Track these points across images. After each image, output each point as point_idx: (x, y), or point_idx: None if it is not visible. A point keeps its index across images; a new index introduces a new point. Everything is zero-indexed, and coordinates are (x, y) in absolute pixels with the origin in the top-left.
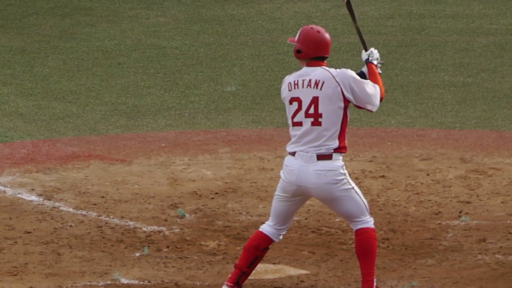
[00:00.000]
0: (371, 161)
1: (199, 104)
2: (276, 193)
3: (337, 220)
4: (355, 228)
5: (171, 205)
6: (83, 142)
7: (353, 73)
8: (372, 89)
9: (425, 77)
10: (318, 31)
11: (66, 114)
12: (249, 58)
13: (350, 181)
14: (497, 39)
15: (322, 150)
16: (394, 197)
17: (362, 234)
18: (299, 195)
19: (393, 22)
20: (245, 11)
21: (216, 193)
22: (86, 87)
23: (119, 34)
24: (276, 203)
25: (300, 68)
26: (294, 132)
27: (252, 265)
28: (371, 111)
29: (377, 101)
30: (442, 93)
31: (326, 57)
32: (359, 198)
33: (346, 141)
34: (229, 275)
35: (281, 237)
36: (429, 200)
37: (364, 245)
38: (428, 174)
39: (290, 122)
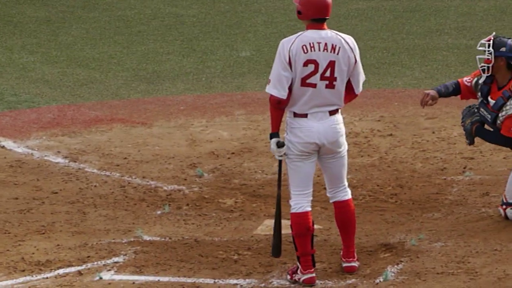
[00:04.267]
0: (379, 120)
1: (216, 69)
2: (293, 158)
3: (348, 176)
4: (345, 198)
5: (190, 165)
6: (106, 107)
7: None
8: (362, 70)
9: (429, 40)
10: None
11: (90, 80)
12: (262, 24)
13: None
14: (497, 3)
15: (333, 108)
16: (401, 154)
17: (351, 205)
18: (315, 152)
19: None
20: None
21: (233, 153)
22: (108, 54)
23: (139, 4)
24: (297, 167)
25: (301, 30)
26: (303, 92)
27: (313, 243)
28: (355, 95)
29: (362, 83)
30: (446, 55)
31: (327, 19)
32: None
33: None
34: (305, 266)
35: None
36: (435, 157)
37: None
38: (433, 132)
39: (298, 83)
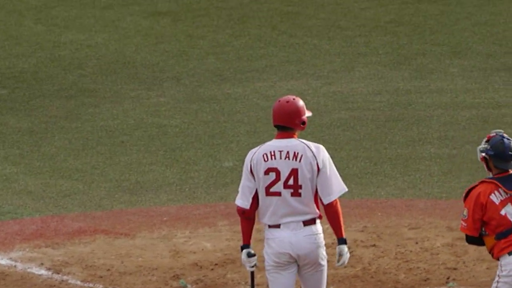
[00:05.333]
0: (362, 231)
1: (199, 179)
2: (270, 270)
3: (331, 287)
4: None
5: (174, 276)
6: (89, 218)
7: (326, 153)
8: (337, 181)
9: (412, 149)
10: (287, 101)
11: (73, 191)
12: (245, 134)
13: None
14: (480, 112)
15: (306, 217)
16: (384, 265)
17: None
18: (291, 264)
19: (381, 98)
20: (240, 90)
21: (216, 264)
22: (91, 165)
23: (122, 114)
24: (275, 278)
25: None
26: (269, 201)
27: None
28: (324, 205)
29: (336, 194)
30: (429, 165)
31: (290, 128)
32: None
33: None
34: None
35: None
36: (418, 267)
37: None
38: (416, 243)
39: (263, 192)
